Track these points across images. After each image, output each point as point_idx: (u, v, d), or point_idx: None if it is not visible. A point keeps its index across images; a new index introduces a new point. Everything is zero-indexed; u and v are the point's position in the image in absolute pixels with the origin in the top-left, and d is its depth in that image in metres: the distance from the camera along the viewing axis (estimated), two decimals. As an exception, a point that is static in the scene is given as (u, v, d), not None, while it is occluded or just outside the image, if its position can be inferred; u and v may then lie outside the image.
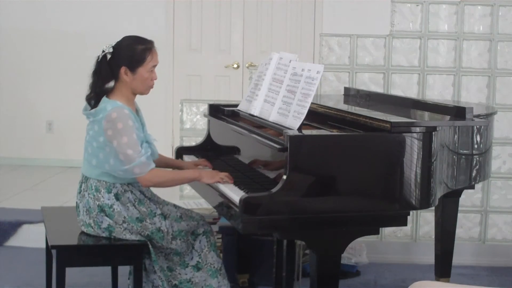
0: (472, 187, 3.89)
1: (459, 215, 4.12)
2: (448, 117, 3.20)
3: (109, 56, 3.15)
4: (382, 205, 2.87)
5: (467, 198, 4.66)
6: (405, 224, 2.94)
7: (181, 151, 3.90)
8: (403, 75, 4.71)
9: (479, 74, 4.69)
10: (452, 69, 4.69)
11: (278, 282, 3.84)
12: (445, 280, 4.05)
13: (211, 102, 3.97)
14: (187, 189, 4.82)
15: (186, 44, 6.78)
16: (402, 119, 3.12)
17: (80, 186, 3.27)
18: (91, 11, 6.83)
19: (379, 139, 2.88)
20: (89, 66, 3.23)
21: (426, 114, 3.37)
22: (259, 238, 4.02)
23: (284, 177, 2.76)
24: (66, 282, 3.14)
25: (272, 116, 3.17)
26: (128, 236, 3.18)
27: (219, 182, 3.17)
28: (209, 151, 3.85)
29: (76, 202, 3.28)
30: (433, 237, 4.18)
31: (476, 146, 3.60)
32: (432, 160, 2.93)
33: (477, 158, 3.62)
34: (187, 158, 3.81)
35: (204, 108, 4.42)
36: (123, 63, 3.15)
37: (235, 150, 3.55)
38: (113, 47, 3.17)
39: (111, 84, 3.19)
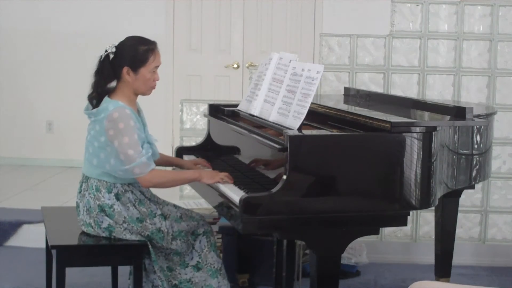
0: (472, 187, 3.89)
1: (459, 215, 4.12)
2: (448, 117, 3.20)
3: (111, 56, 3.15)
4: (382, 205, 2.87)
5: (467, 198, 4.67)
6: (405, 224, 2.94)
7: (181, 151, 3.90)
8: (403, 75, 4.71)
9: (479, 74, 4.69)
10: (452, 69, 4.69)
11: (278, 282, 3.85)
12: (445, 280, 4.05)
13: (211, 102, 3.97)
14: (187, 189, 4.82)
15: (186, 44, 6.79)
16: (402, 119, 3.12)
17: (81, 186, 3.27)
18: (91, 11, 6.83)
19: (379, 139, 2.88)
20: (89, 66, 3.23)
21: (426, 114, 3.37)
22: (259, 238, 4.02)
23: (284, 177, 2.76)
24: (66, 282, 3.14)
25: (272, 116, 3.18)
26: (128, 236, 3.18)
27: (219, 182, 3.17)
28: (209, 151, 3.85)
29: (77, 202, 3.28)
30: (433, 237, 4.18)
31: (476, 146, 3.60)
32: (432, 160, 2.93)
33: (477, 158, 3.62)
34: (187, 158, 3.81)
35: (204, 108, 4.42)
36: (125, 63, 3.15)
37: (235, 150, 3.55)
38: (116, 47, 3.17)
39: (113, 84, 3.18)
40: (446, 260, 4.06)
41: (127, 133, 3.06)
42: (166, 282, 3.29)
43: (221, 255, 3.82)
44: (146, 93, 3.25)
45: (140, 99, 3.29)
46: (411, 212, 2.96)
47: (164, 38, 6.51)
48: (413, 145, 2.87)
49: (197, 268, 3.33)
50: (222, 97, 6.55)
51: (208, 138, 3.92)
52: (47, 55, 6.91)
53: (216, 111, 3.86)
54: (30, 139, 7.02)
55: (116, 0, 6.80)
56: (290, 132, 2.83)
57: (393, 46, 4.69)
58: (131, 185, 3.21)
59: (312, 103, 3.00)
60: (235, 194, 2.95)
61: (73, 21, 6.85)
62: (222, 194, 3.07)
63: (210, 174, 3.22)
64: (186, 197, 4.87)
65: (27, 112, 7.01)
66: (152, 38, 3.25)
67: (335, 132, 3.01)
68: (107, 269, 3.82)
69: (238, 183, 3.15)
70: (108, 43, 3.20)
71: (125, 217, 3.16)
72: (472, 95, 4.68)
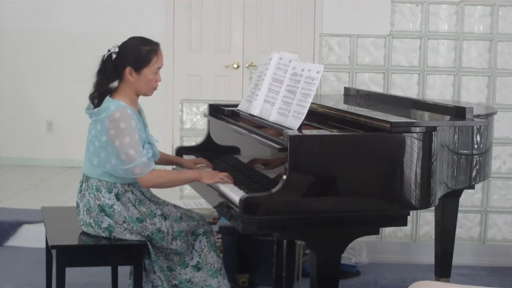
0: (472, 187, 3.89)
1: (459, 215, 4.12)
2: (448, 117, 3.20)
3: (114, 56, 3.15)
4: (382, 205, 2.87)
5: (467, 198, 4.66)
6: (405, 224, 2.94)
7: (181, 151, 3.90)
8: (403, 75, 4.71)
9: (479, 74, 4.69)
10: (452, 69, 4.69)
11: (278, 282, 3.85)
12: (445, 280, 4.05)
13: (211, 102, 3.97)
14: (187, 189, 4.82)
15: (186, 44, 6.79)
16: (402, 119, 3.12)
17: (81, 186, 3.27)
18: (91, 11, 6.83)
19: (379, 139, 2.88)
20: (89, 66, 3.24)
21: (426, 114, 3.37)
22: (259, 238, 4.02)
23: (284, 177, 2.76)
24: (66, 282, 3.14)
25: (272, 116, 3.18)
26: (128, 236, 3.18)
27: (219, 182, 3.17)
28: (209, 151, 3.85)
29: (77, 202, 3.28)
30: (433, 237, 4.18)
31: (476, 146, 3.60)
32: (432, 160, 2.93)
33: (477, 158, 3.62)
34: (187, 158, 3.81)
35: (204, 108, 4.42)
36: (128, 63, 3.15)
37: (235, 150, 3.55)
38: (119, 47, 3.17)
39: (115, 84, 3.19)
40: (446, 260, 4.06)
41: (128, 133, 3.06)
42: (166, 282, 3.29)
43: (221, 255, 3.82)
44: (147, 94, 3.25)
45: (140, 99, 3.29)
46: (411, 212, 2.96)
47: (164, 38, 6.51)
48: (413, 145, 2.87)
49: (197, 268, 3.33)
50: (222, 97, 6.55)
51: (208, 138, 3.92)
52: (47, 55, 6.91)
53: (216, 111, 3.86)
54: (30, 139, 7.02)
55: (116, 0, 6.80)
56: (290, 132, 2.83)
57: (393, 46, 4.69)
58: (131, 185, 3.21)
59: (312, 103, 3.00)
60: (235, 194, 2.95)
61: (73, 21, 6.85)
62: (222, 194, 3.07)
63: (210, 174, 3.22)
64: (186, 197, 4.87)
65: (27, 112, 7.01)
66: (152, 38, 3.25)
67: (335, 132, 3.01)
68: (107, 269, 3.82)
69: (238, 183, 3.15)
70: (108, 43, 3.20)
71: (125, 217, 3.16)
72: (472, 95, 4.68)
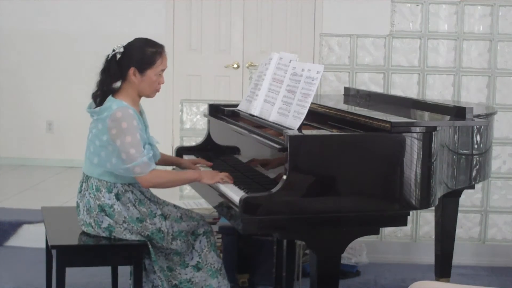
0: (472, 187, 3.89)
1: (459, 215, 4.12)
2: (448, 117, 3.20)
3: (119, 56, 3.15)
4: (382, 205, 2.87)
5: (467, 198, 4.67)
6: (405, 224, 2.94)
7: (181, 151, 3.90)
8: (403, 75, 4.71)
9: (479, 74, 4.69)
10: (452, 69, 4.69)
11: (278, 282, 3.85)
12: (445, 280, 4.05)
13: (211, 102, 3.97)
14: (187, 189, 4.82)
15: (186, 44, 6.79)
16: (402, 119, 3.12)
17: (81, 186, 3.27)
18: (91, 11, 6.82)
19: (379, 139, 2.88)
20: (89, 66, 3.24)
21: (426, 114, 3.37)
22: (259, 238, 4.02)
23: (284, 177, 2.76)
24: (66, 282, 3.14)
25: (272, 116, 3.18)
26: (128, 236, 3.18)
27: (219, 182, 3.17)
28: (209, 151, 3.85)
29: (77, 202, 3.28)
30: (433, 237, 4.18)
31: (476, 146, 3.60)
32: (432, 160, 2.93)
33: (477, 158, 3.62)
34: (187, 158, 3.81)
35: (204, 108, 4.42)
36: (132, 64, 3.15)
37: (235, 150, 3.55)
38: (124, 47, 3.17)
39: (118, 84, 3.19)
40: (446, 260, 4.05)
41: (130, 132, 3.06)
42: (166, 282, 3.29)
43: (221, 255, 3.82)
44: (150, 95, 3.25)
45: (141, 99, 3.29)
46: (411, 212, 2.96)
47: (164, 38, 6.49)
48: (413, 145, 2.87)
49: (197, 268, 3.33)
50: (222, 97, 6.55)
51: (208, 138, 3.92)
52: (47, 55, 6.91)
53: (216, 111, 3.86)
54: (30, 139, 7.02)
55: (116, 0, 6.80)
56: (290, 132, 2.83)
57: (393, 46, 4.69)
58: (131, 185, 3.21)
59: (312, 103, 3.00)
60: (235, 194, 2.95)
61: (73, 21, 6.85)
62: (222, 194, 3.07)
63: (210, 174, 3.22)
64: (186, 197, 4.87)
65: (27, 112, 7.01)
66: (152, 38, 3.25)
67: (335, 132, 3.01)
68: (107, 269, 3.82)
69: (238, 183, 3.15)
70: (108, 43, 3.21)
71: (125, 217, 3.16)
72: (472, 95, 4.68)
